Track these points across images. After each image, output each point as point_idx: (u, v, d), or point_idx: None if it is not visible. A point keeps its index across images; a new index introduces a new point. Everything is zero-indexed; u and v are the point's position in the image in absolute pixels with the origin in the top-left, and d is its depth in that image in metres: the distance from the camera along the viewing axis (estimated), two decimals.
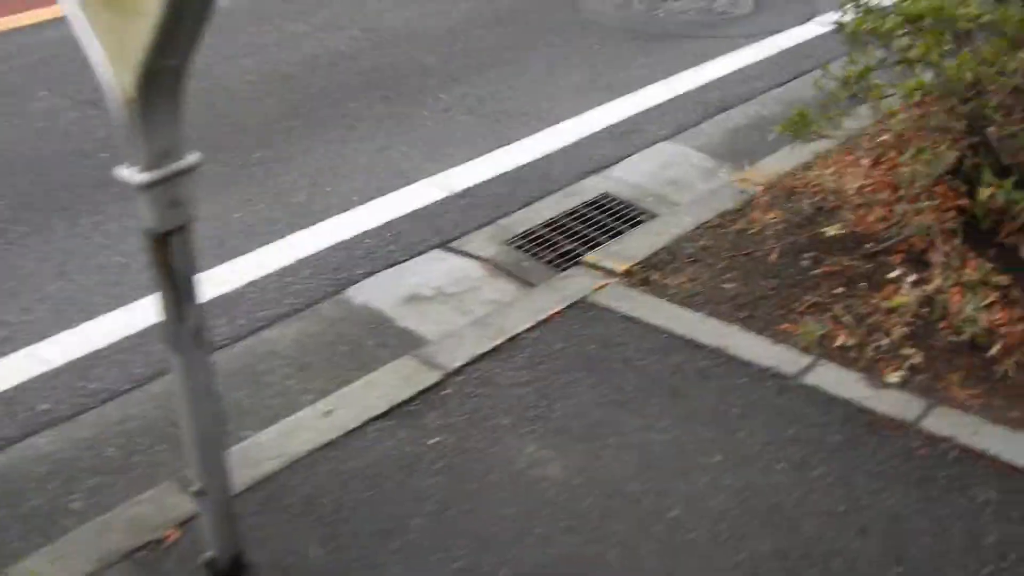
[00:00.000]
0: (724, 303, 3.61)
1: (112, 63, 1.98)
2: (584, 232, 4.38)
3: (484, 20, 6.99)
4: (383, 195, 4.78)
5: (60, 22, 7.25)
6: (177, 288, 2.22)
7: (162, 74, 1.94)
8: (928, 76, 3.53)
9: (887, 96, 3.59)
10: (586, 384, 3.28)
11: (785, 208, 4.14)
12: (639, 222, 4.42)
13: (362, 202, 4.73)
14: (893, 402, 3.10)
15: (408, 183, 4.87)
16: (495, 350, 3.45)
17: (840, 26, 3.65)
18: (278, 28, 7.01)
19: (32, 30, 7.28)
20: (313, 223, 4.58)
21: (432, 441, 3.09)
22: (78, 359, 3.78)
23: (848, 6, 3.79)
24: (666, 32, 6.70)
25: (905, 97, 3.43)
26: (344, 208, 4.69)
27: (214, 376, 2.42)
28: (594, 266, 3.90)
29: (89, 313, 4.03)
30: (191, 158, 2.10)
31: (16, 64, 6.71)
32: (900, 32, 3.56)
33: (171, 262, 2.18)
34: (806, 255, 3.80)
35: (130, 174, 2.07)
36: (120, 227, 4.61)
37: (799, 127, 3.65)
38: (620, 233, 4.32)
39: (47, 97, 6.08)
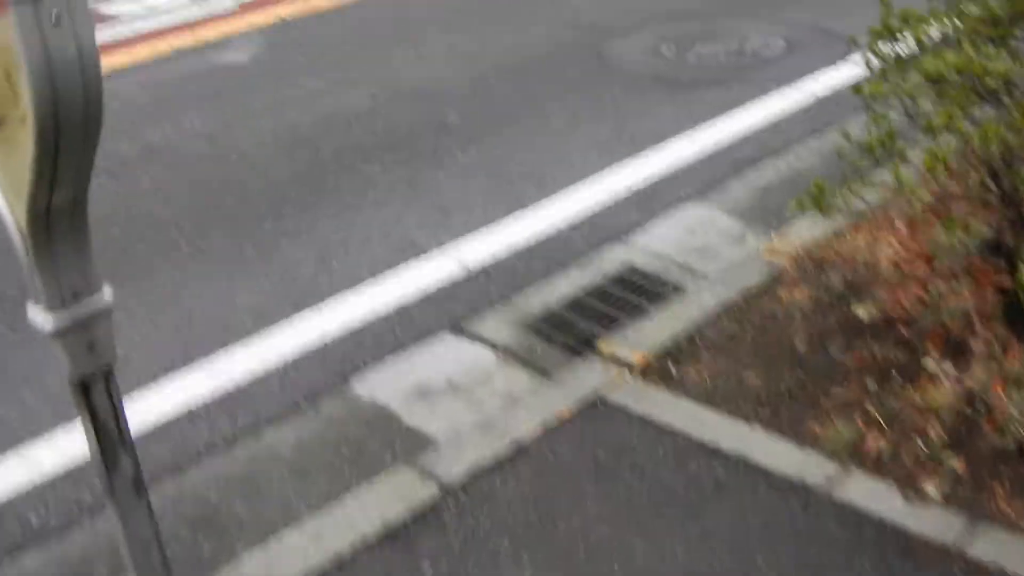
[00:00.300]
0: (746, 400, 3.35)
1: (5, 193, 1.77)
2: (604, 311, 4.14)
3: (507, 71, 6.78)
4: (394, 270, 4.57)
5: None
6: (103, 437, 2.00)
7: (55, 209, 1.72)
8: (954, 142, 3.25)
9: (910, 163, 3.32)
10: (594, 499, 3.03)
11: (814, 284, 3.87)
12: (663, 296, 4.17)
13: (372, 278, 4.53)
14: (932, 521, 2.82)
15: (420, 255, 4.66)
16: (498, 459, 3.22)
17: (857, 89, 3.38)
18: (296, 85, 6.85)
19: None
20: (320, 303, 4.39)
21: (425, 568, 2.86)
22: (74, 465, 3.58)
23: (869, 57, 3.53)
24: (695, 79, 6.45)
25: (927, 170, 3.14)
26: (353, 285, 4.48)
27: (157, 524, 2.20)
28: (609, 356, 3.65)
29: None
30: (106, 296, 1.88)
31: None
32: (922, 94, 3.29)
33: (94, 410, 1.96)
34: (836, 341, 3.53)
35: (37, 316, 1.86)
36: (124, 314, 4.40)
37: (818, 201, 3.38)
38: (642, 310, 4.08)
39: None
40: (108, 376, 1.94)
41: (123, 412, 2.00)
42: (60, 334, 1.86)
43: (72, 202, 1.73)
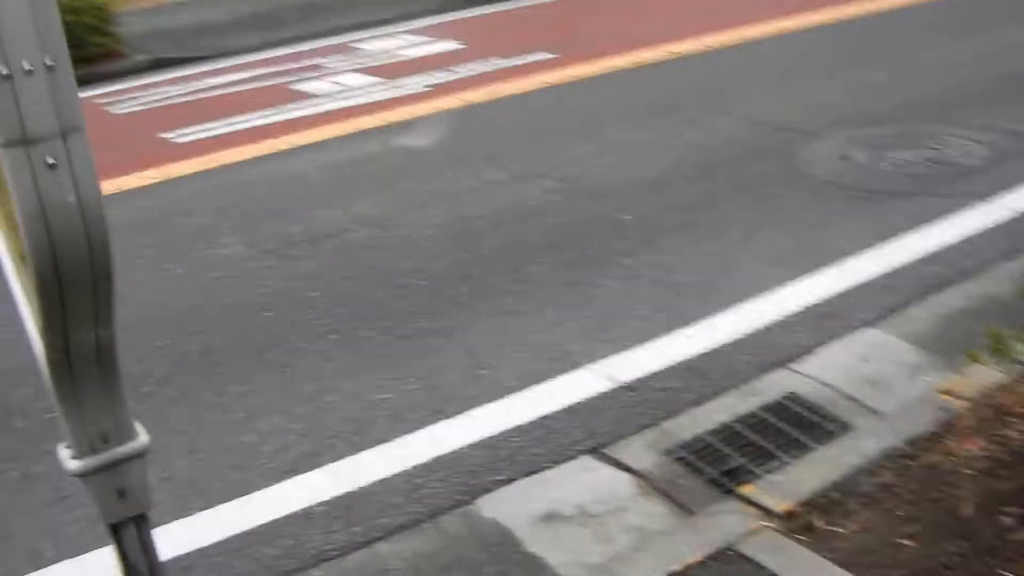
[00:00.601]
0: (896, 568, 2.99)
1: (37, 330, 1.64)
2: (759, 443, 3.83)
3: (688, 171, 6.55)
4: (543, 381, 4.36)
5: (266, 159, 7.26)
6: None
7: (76, 351, 1.58)
8: None
9: None
10: None
11: (992, 437, 3.48)
12: (824, 432, 3.84)
13: (519, 388, 4.32)
14: None
15: (573, 368, 4.44)
16: None
17: None
18: (474, 174, 6.78)
19: (238, 168, 7.31)
20: (462, 411, 4.21)
21: None
22: (181, 557, 3.49)
23: None
24: (886, 189, 6.06)
25: None
26: (498, 395, 4.29)
27: None
28: (752, 499, 3.34)
29: (207, 501, 3.83)
30: (139, 441, 1.73)
31: (211, 205, 6.70)
32: None
33: (124, 553, 1.81)
34: (1009, 510, 3.13)
35: (64, 458, 1.72)
36: (263, 401, 4.38)
37: (997, 351, 3.02)
38: (799, 446, 3.76)
39: (231, 243, 6.00)
40: (141, 523, 1.78)
41: (156, 557, 1.86)
42: (86, 480, 1.72)
43: (95, 344, 1.59)
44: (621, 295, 5.04)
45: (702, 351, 4.49)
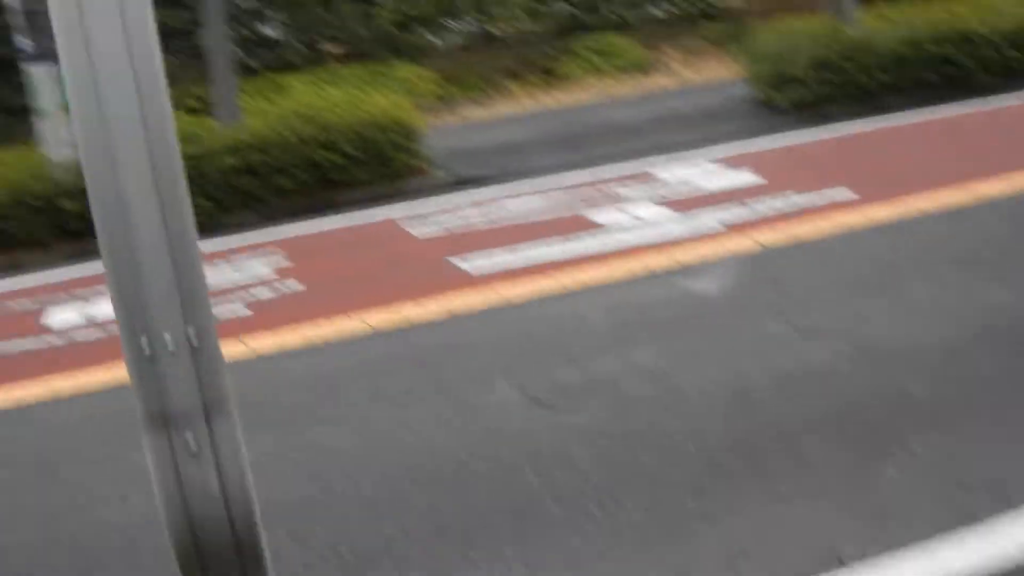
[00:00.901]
0: None
1: None
2: None
3: (991, 339, 6.07)
4: None
5: (550, 296, 7.26)
6: None
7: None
8: None
9: None
10: None
11: None
12: None
13: None
14: None
15: (840, 570, 4.12)
16: None
17: None
18: (758, 328, 6.54)
19: (521, 304, 7.35)
20: None
21: None
22: None
23: None
24: None
25: None
26: None
27: None
28: None
29: None
30: None
31: (489, 343, 6.76)
32: None
33: None
34: None
35: None
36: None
37: None
38: None
39: (503, 389, 6.00)
40: None
41: None
42: None
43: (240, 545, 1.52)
44: (904, 486, 4.68)
45: (988, 565, 4.10)
